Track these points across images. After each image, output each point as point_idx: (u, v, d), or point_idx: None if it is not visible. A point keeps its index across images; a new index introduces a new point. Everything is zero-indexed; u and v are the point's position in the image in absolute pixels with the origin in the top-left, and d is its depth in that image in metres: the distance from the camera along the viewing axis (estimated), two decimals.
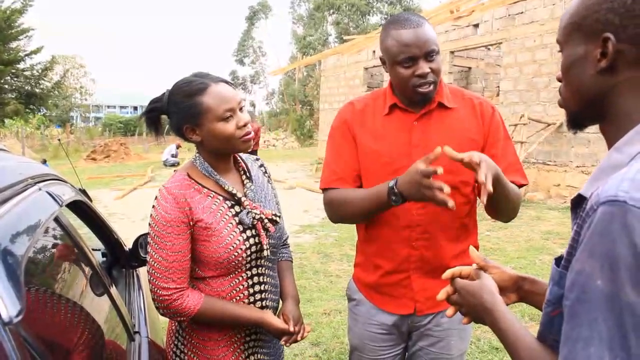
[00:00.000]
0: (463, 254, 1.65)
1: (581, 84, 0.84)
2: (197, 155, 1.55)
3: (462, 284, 1.06)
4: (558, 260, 0.82)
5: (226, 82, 1.51)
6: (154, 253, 1.45)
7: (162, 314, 1.50)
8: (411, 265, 1.66)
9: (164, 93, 1.53)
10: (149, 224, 1.48)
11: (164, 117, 1.58)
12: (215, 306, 1.47)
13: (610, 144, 0.82)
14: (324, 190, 1.73)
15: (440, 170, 1.36)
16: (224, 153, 1.54)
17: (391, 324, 1.73)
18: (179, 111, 1.47)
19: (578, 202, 0.79)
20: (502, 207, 1.59)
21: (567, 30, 0.85)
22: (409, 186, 1.45)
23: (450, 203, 1.35)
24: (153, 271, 1.45)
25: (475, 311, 1.03)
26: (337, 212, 1.71)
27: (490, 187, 1.30)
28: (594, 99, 0.83)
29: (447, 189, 1.35)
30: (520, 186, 1.65)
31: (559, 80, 0.90)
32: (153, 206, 1.48)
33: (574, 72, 0.85)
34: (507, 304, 1.11)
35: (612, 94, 0.81)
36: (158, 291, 1.45)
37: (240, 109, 1.49)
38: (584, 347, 0.66)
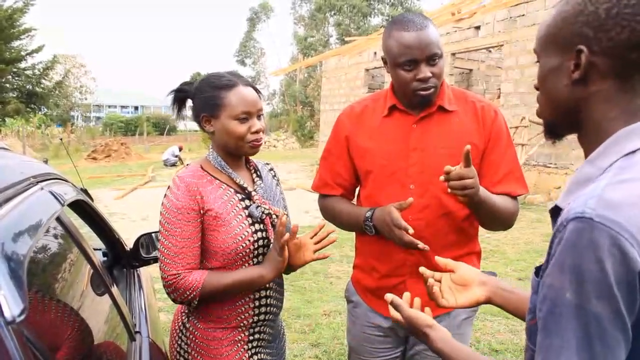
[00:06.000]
0: (461, 259, 1.63)
1: (556, 93, 0.85)
2: (211, 150, 1.60)
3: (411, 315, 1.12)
4: (538, 270, 0.84)
5: (254, 87, 1.58)
6: (163, 240, 1.48)
7: (173, 299, 1.50)
8: (407, 270, 1.64)
9: (196, 79, 1.62)
10: (160, 212, 1.51)
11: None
12: (218, 276, 1.48)
13: (586, 154, 0.84)
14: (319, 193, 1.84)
15: (411, 230, 1.48)
16: (231, 152, 1.57)
17: (388, 327, 1.71)
18: (201, 99, 1.55)
19: (557, 212, 0.81)
20: (489, 222, 1.65)
21: (543, 41, 0.87)
22: (381, 224, 1.57)
23: (421, 245, 1.47)
24: (162, 257, 1.47)
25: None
26: (329, 221, 1.80)
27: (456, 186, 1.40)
28: (568, 109, 0.85)
29: (411, 231, 1.46)
30: (517, 196, 1.64)
31: (537, 88, 0.91)
32: (165, 195, 1.52)
33: (549, 82, 0.86)
34: (477, 303, 1.18)
35: (585, 105, 0.82)
36: (167, 277, 1.46)
37: (259, 117, 1.54)
38: (556, 356, 0.71)
